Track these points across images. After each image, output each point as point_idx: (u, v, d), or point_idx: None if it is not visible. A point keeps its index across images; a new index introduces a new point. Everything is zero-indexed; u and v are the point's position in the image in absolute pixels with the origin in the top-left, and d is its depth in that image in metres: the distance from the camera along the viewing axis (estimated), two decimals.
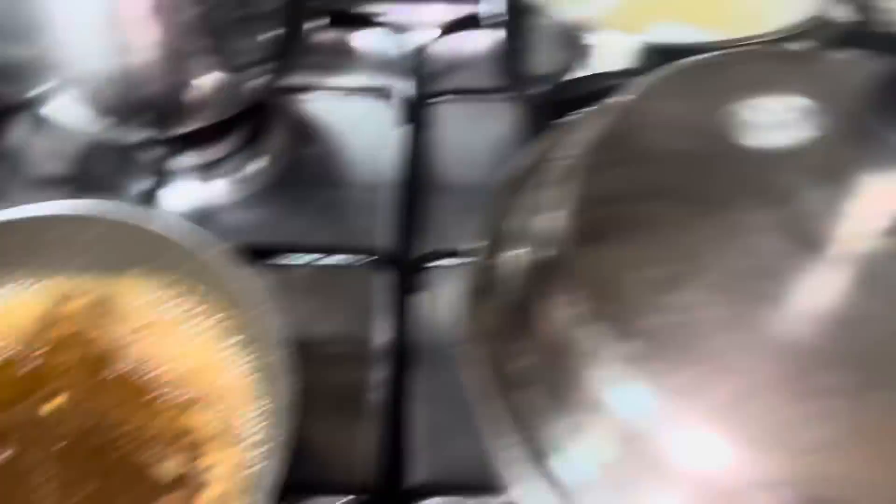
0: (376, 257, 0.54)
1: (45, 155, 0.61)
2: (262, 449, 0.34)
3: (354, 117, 0.65)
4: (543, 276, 0.31)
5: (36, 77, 0.50)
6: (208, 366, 0.38)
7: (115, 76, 0.48)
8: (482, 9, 0.69)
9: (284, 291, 0.37)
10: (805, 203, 0.28)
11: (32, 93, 0.50)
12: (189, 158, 0.58)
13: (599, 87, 0.38)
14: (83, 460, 0.35)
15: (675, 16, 0.51)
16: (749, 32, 0.44)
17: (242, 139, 0.60)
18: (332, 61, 0.70)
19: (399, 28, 0.71)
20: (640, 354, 0.26)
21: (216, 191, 0.59)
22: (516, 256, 0.34)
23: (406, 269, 0.54)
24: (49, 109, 0.51)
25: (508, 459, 0.29)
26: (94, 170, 0.60)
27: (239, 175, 0.60)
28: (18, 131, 0.63)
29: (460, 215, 0.42)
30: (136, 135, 0.53)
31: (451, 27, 0.71)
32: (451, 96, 0.66)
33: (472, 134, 0.63)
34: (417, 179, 0.60)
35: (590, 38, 0.47)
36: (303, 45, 0.56)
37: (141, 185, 0.57)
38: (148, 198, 0.56)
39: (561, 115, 0.40)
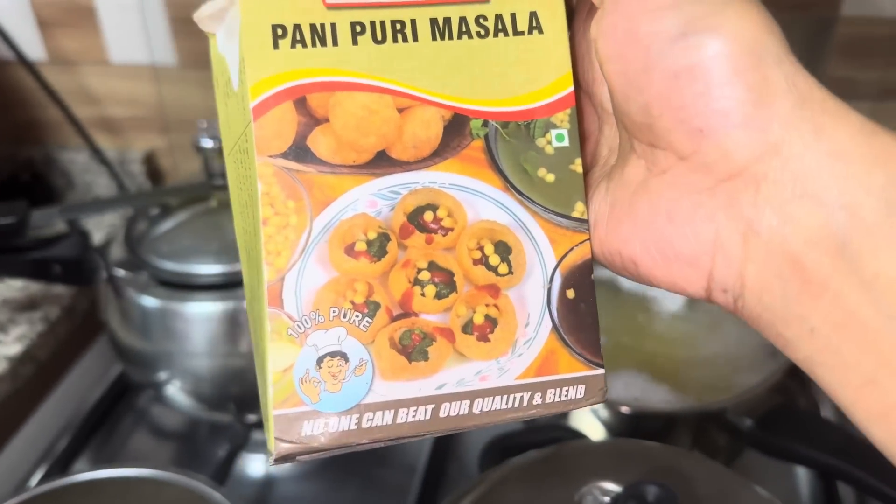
0: None
1: (153, 427, 0.78)
2: None
3: None
4: None
5: (158, 367, 0.67)
6: None
7: (213, 375, 0.65)
8: None
9: None
10: None
11: (155, 377, 0.68)
12: (261, 436, 0.73)
13: None
14: None
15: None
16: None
17: None
18: None
19: None
20: None
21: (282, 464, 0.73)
22: None
23: None
24: (165, 391, 0.69)
25: None
26: (189, 440, 0.76)
27: None
28: (141, 403, 0.80)
29: None
30: (222, 418, 0.69)
31: None
32: None
33: None
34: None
35: None
36: None
37: (221, 455, 0.71)
38: (226, 466, 0.71)
39: None
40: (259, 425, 0.73)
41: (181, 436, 0.77)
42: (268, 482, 0.72)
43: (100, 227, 0.86)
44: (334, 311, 0.26)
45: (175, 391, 0.69)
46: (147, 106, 0.89)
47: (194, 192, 0.71)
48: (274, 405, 0.25)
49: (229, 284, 0.65)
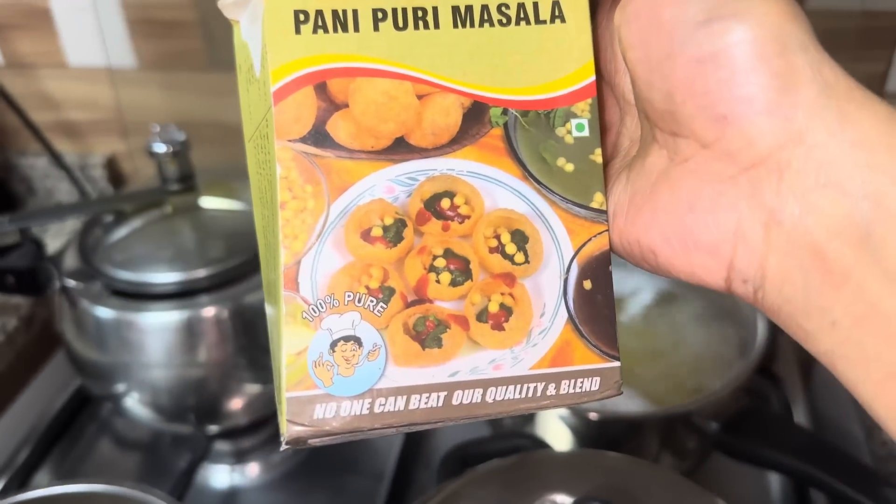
0: None
1: (115, 437, 0.76)
2: None
3: None
4: None
5: (115, 379, 0.66)
6: None
7: (171, 386, 0.64)
8: None
9: None
10: None
11: (112, 389, 0.66)
12: (224, 446, 0.72)
13: None
14: None
15: None
16: None
17: (271, 432, 0.74)
18: None
19: None
20: None
21: (245, 474, 0.72)
22: None
23: None
24: (124, 403, 0.67)
25: None
26: (151, 451, 0.75)
27: (265, 462, 0.73)
28: (103, 414, 0.79)
29: None
30: (182, 429, 0.68)
31: None
32: None
33: None
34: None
35: None
36: None
37: (183, 466, 0.70)
38: (188, 478, 0.69)
39: None
40: (220, 436, 0.71)
41: (143, 447, 0.75)
42: (231, 493, 0.71)
43: (60, 235, 0.85)
44: (349, 296, 0.26)
45: (134, 403, 0.67)
46: (106, 109, 0.87)
47: (148, 199, 0.69)
48: (287, 387, 0.25)
49: (185, 293, 0.63)
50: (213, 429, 0.69)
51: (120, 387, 0.66)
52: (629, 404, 0.64)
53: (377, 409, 0.26)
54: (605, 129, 0.29)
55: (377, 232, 0.26)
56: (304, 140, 0.25)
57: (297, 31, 0.25)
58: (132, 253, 0.66)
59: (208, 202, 0.70)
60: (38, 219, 0.70)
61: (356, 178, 0.26)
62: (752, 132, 0.23)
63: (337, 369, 0.25)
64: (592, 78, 0.27)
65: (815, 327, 0.23)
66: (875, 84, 0.76)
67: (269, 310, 0.29)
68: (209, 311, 0.63)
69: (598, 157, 0.28)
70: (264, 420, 0.71)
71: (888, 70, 0.75)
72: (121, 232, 0.68)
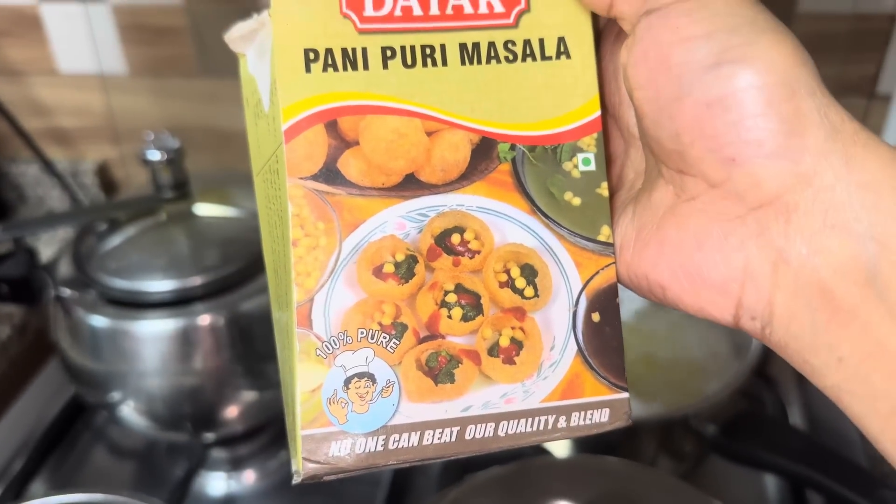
0: None
1: (109, 446, 0.76)
2: None
3: None
4: None
5: (110, 387, 0.66)
6: None
7: (167, 394, 0.63)
8: None
9: None
10: None
11: (108, 398, 0.66)
12: (220, 454, 0.72)
13: None
14: None
15: None
16: None
17: (267, 439, 0.74)
18: None
19: None
20: None
21: (242, 482, 0.72)
22: None
23: None
24: (119, 411, 0.67)
25: None
26: (147, 460, 0.74)
27: (262, 469, 0.73)
28: (98, 423, 0.78)
29: None
30: (178, 437, 0.68)
31: None
32: None
33: None
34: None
35: None
36: None
37: (179, 474, 0.70)
38: (184, 486, 0.69)
39: None
40: (217, 444, 0.71)
41: (139, 455, 0.75)
42: (228, 500, 0.71)
43: (52, 243, 0.84)
44: (362, 333, 0.26)
45: (129, 411, 0.67)
46: (98, 116, 0.87)
47: (142, 206, 0.69)
48: (302, 425, 0.25)
49: (180, 301, 0.63)
50: (210, 437, 0.69)
51: (115, 395, 0.66)
52: None
53: (391, 446, 0.26)
54: (609, 160, 0.29)
55: (389, 268, 0.26)
56: (315, 178, 0.26)
57: (308, 69, 0.25)
58: (127, 261, 0.65)
59: (203, 209, 0.70)
60: (33, 227, 0.70)
61: (367, 215, 0.26)
62: (760, 174, 0.23)
63: (351, 406, 0.26)
64: (598, 113, 0.28)
65: (822, 363, 0.23)
66: (866, 86, 0.76)
67: (278, 335, 0.29)
68: (205, 319, 0.63)
69: (604, 190, 0.28)
70: (260, 427, 0.71)
71: (879, 72, 0.75)
72: (115, 240, 0.68)
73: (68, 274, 0.66)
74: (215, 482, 0.72)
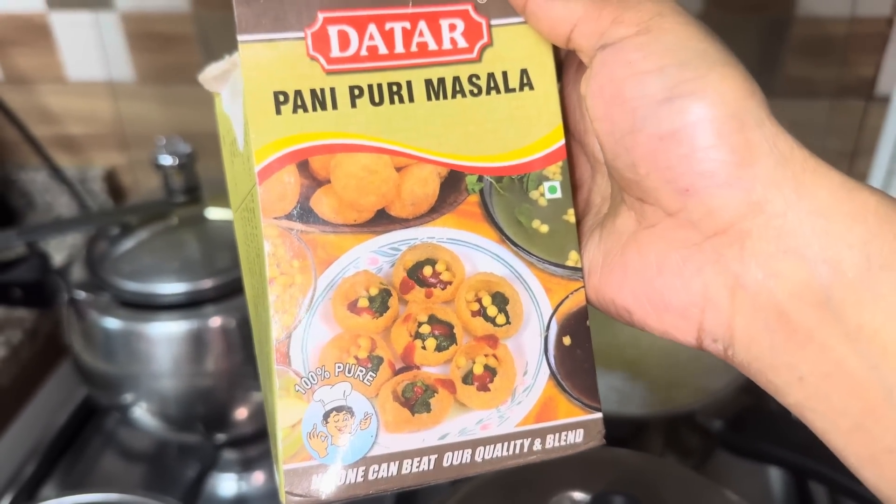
0: None
1: (120, 449, 0.77)
2: None
3: None
4: None
5: (123, 389, 0.66)
6: None
7: (179, 395, 0.64)
8: None
9: None
10: None
11: (121, 400, 0.67)
12: (231, 455, 0.72)
13: None
14: None
15: None
16: None
17: None
18: None
19: None
20: None
21: (252, 483, 0.72)
22: None
23: None
24: (132, 413, 0.68)
25: None
26: (159, 461, 0.75)
27: (272, 470, 0.73)
28: (109, 426, 0.79)
29: None
30: (191, 438, 0.68)
31: None
32: None
33: None
34: None
35: None
36: None
37: (191, 476, 0.70)
38: (196, 487, 0.70)
39: None
40: (229, 444, 0.72)
41: (150, 457, 0.76)
42: (239, 501, 0.71)
43: (61, 248, 0.85)
44: (339, 367, 0.26)
45: (142, 413, 0.67)
46: (106, 123, 0.88)
47: (154, 210, 0.70)
48: (284, 460, 0.26)
49: (193, 303, 0.64)
50: (221, 437, 0.69)
51: (128, 397, 0.67)
52: (634, 403, 0.65)
53: (371, 477, 0.27)
54: (576, 186, 0.30)
55: (363, 303, 0.27)
56: (289, 217, 0.26)
57: (278, 111, 0.26)
58: (139, 264, 0.66)
59: (213, 213, 0.71)
60: (48, 232, 0.71)
61: (341, 252, 0.26)
62: (713, 204, 0.24)
63: (331, 439, 0.26)
64: (562, 142, 0.28)
65: (784, 382, 0.24)
66: (864, 89, 0.77)
67: (261, 369, 0.30)
68: (216, 321, 0.64)
69: (571, 216, 0.28)
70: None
71: (877, 75, 0.77)
72: (128, 244, 0.69)
73: (82, 277, 0.67)
74: (226, 483, 0.73)
